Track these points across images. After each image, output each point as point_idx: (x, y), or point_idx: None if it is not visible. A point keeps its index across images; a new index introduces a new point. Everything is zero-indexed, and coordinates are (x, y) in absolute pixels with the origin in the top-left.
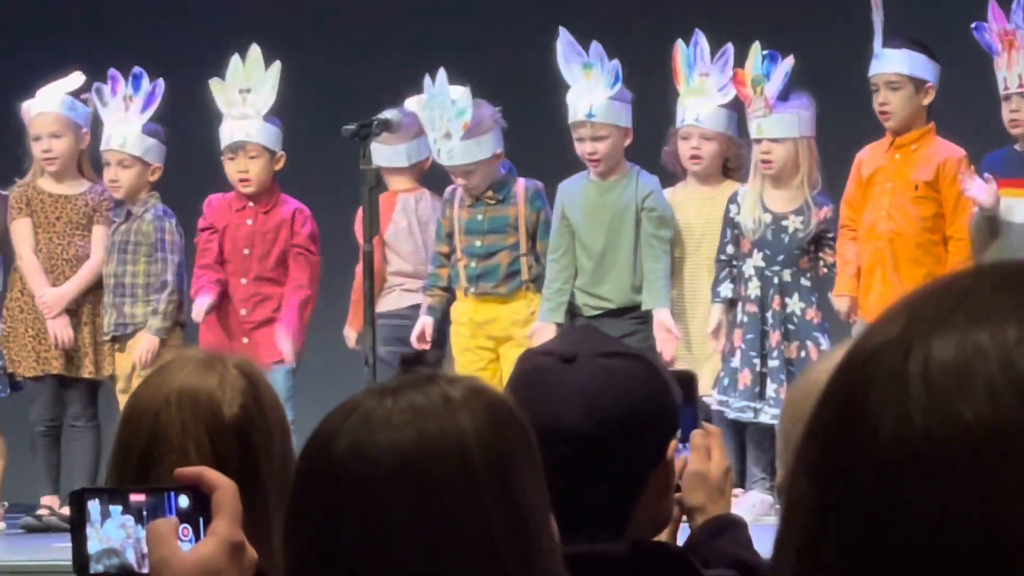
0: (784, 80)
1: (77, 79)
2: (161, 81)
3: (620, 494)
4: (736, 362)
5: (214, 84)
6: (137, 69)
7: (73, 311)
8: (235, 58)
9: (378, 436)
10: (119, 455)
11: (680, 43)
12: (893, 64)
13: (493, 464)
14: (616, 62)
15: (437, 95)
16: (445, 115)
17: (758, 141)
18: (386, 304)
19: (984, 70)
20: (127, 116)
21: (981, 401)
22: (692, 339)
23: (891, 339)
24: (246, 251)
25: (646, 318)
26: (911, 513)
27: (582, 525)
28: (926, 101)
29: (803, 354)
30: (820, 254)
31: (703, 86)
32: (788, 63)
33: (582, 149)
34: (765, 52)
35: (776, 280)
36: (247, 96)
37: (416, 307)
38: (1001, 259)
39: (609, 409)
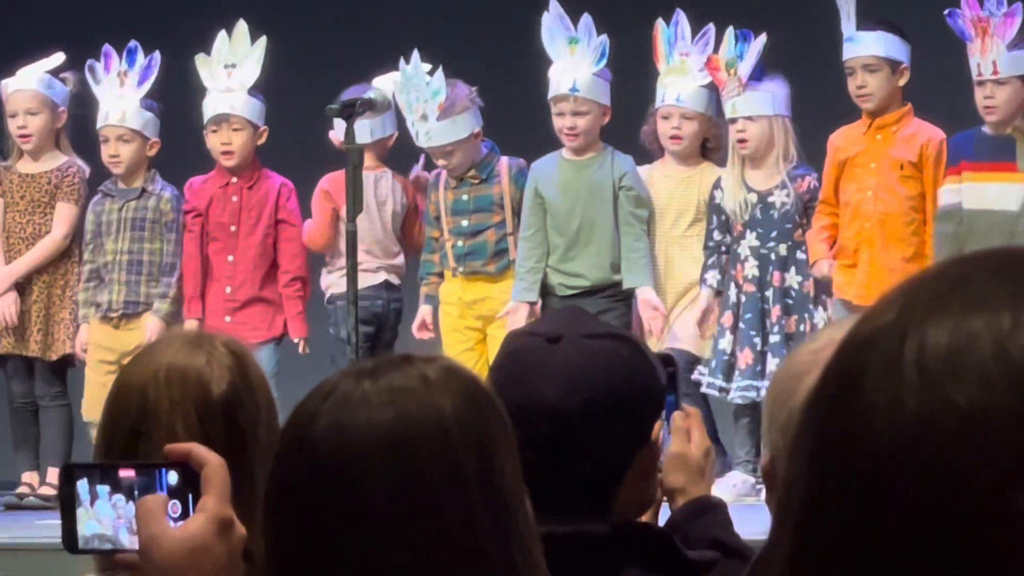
0: (757, 57)
1: (57, 58)
2: (157, 55)
3: (604, 474)
4: (731, 344)
5: (199, 59)
6: (132, 43)
7: (24, 288)
8: (222, 34)
9: (357, 416)
10: (107, 431)
11: (660, 22)
12: (869, 47)
13: (472, 443)
14: (604, 38)
15: (412, 77)
16: (421, 96)
17: (733, 120)
18: (343, 285)
19: (957, 54)
20: (123, 91)
21: (973, 387)
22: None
23: (886, 325)
24: (232, 228)
25: (621, 296)
26: (904, 497)
27: (565, 505)
28: (901, 82)
29: (802, 327)
30: (805, 222)
31: (683, 66)
32: (760, 41)
33: (561, 124)
34: (738, 32)
35: (773, 256)
36: (232, 71)
37: (375, 287)
38: (997, 246)
39: (594, 388)
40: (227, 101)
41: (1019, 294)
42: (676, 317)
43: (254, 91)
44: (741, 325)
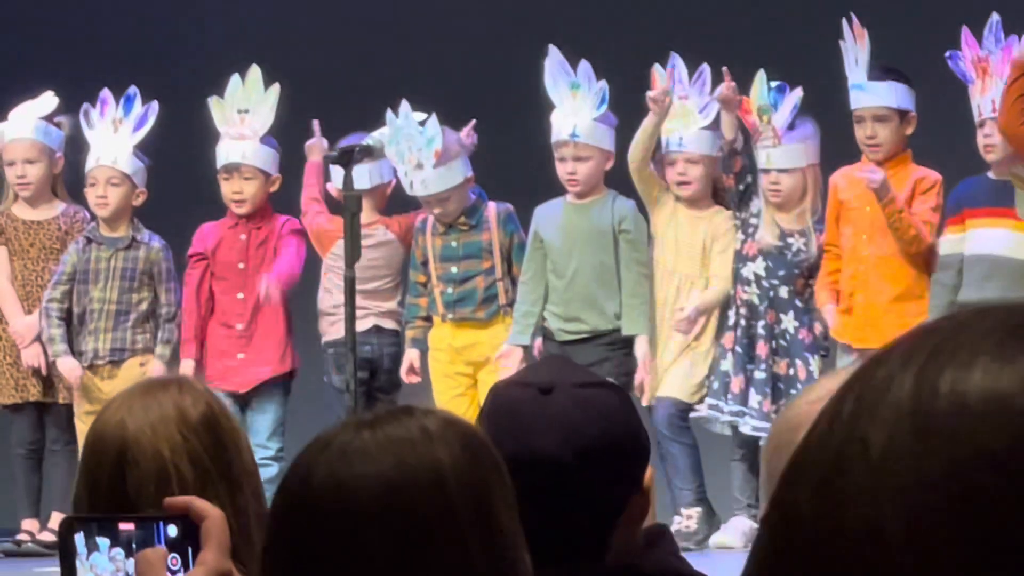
0: (793, 112)
1: (50, 101)
2: (155, 104)
3: (599, 521)
4: (728, 365)
5: (213, 102)
6: (132, 89)
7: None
8: (235, 77)
9: (356, 468)
10: (88, 473)
11: (657, 66)
12: (880, 97)
13: (471, 494)
14: (603, 83)
15: (402, 127)
16: (414, 145)
17: (766, 171)
18: (337, 332)
19: (959, 96)
20: (117, 137)
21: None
22: (658, 350)
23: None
24: (240, 265)
25: (620, 344)
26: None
27: (561, 552)
28: (909, 131)
29: (792, 371)
30: (811, 281)
31: (683, 109)
32: (797, 94)
33: (563, 169)
34: (773, 83)
35: (772, 293)
36: (245, 116)
37: (364, 332)
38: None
39: (589, 438)
40: (239, 149)
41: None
42: (672, 363)
43: (268, 137)
44: (737, 349)
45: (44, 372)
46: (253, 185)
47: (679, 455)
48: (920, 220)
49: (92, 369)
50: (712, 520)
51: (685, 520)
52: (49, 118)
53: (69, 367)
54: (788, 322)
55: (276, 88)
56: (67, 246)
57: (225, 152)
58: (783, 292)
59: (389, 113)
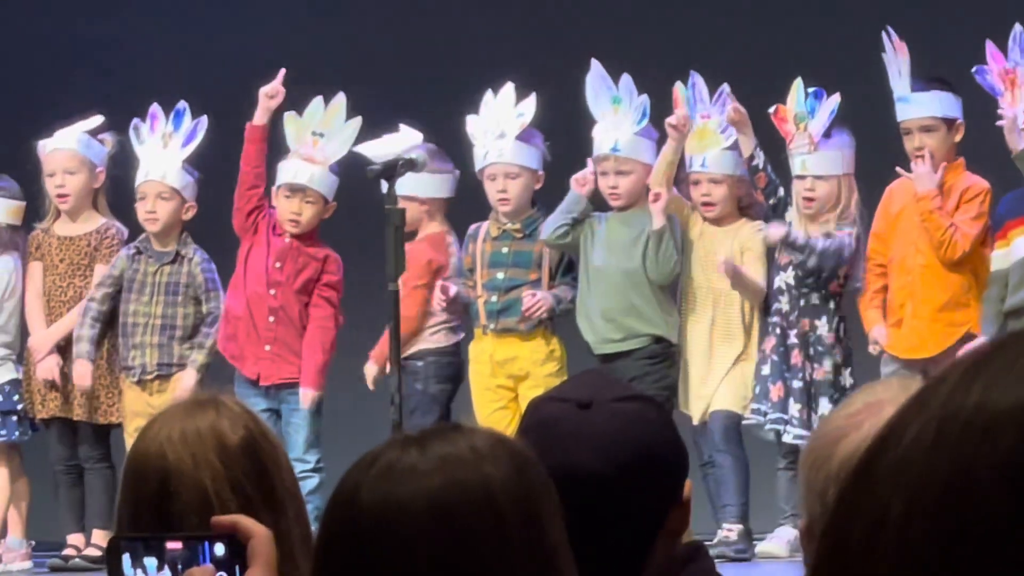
0: (830, 118)
1: (95, 120)
2: (204, 119)
3: (639, 536)
4: (768, 371)
5: (289, 118)
6: (181, 105)
7: (66, 351)
8: (318, 99)
9: (405, 486)
10: (130, 502)
11: (679, 85)
12: (926, 108)
13: (521, 511)
14: (645, 97)
15: (498, 102)
16: (504, 117)
17: (801, 178)
18: (436, 341)
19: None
20: (166, 152)
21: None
22: (691, 370)
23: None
24: (277, 264)
25: (661, 358)
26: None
27: (601, 567)
28: (957, 138)
29: (817, 376)
30: (843, 279)
31: (705, 129)
32: (834, 101)
33: (604, 183)
34: (810, 90)
35: (803, 302)
36: (319, 140)
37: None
38: None
39: (629, 453)
40: (307, 171)
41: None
42: (725, 376)
43: (333, 165)
44: (774, 357)
45: (58, 384)
46: (312, 209)
47: (730, 470)
48: (959, 227)
49: (141, 384)
50: (750, 540)
51: (725, 532)
52: (94, 134)
53: (80, 372)
54: (821, 327)
55: (357, 121)
56: (94, 262)
57: (293, 171)
58: (815, 299)
59: (489, 92)
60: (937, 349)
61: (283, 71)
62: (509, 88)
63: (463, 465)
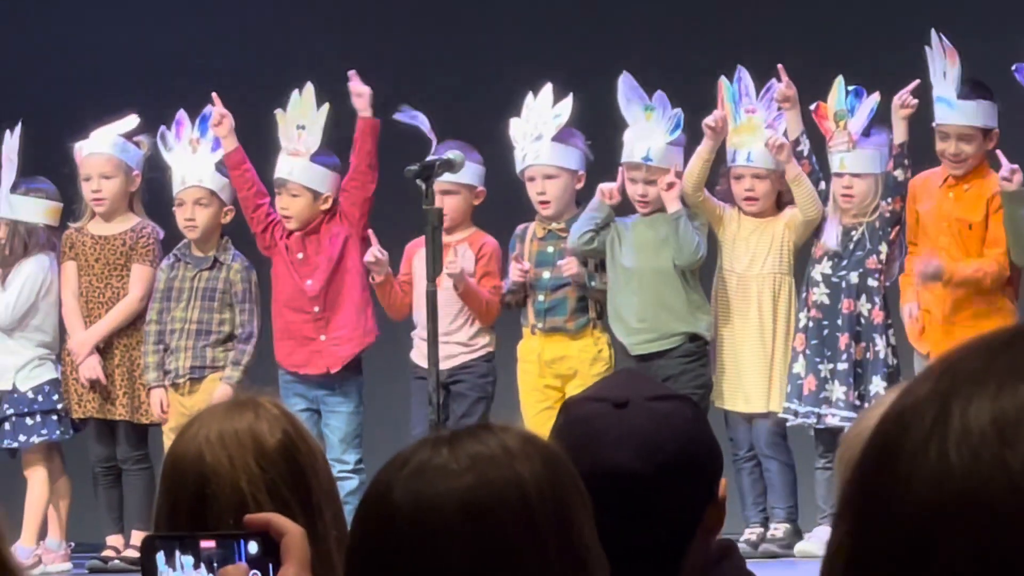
0: (869, 116)
1: (132, 121)
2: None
3: (676, 534)
4: (803, 368)
5: (279, 115)
6: (207, 108)
7: (106, 352)
8: (295, 93)
9: (437, 485)
10: (167, 504)
11: (724, 80)
12: (968, 116)
13: (552, 510)
14: (679, 111)
15: (536, 105)
16: (541, 119)
17: (839, 175)
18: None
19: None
20: (196, 156)
21: None
22: (743, 366)
23: (928, 392)
24: (300, 255)
25: (696, 356)
26: (952, 557)
27: (639, 566)
28: (991, 146)
29: (868, 355)
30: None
31: (751, 123)
32: (874, 99)
33: (633, 190)
34: (850, 88)
35: (843, 284)
36: (302, 133)
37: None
38: None
39: (665, 452)
40: (287, 166)
41: None
42: (763, 377)
43: (326, 155)
44: (807, 351)
45: (103, 383)
46: (299, 203)
47: (777, 472)
48: (991, 246)
49: (175, 387)
50: (795, 540)
51: (772, 531)
52: (129, 136)
53: (154, 400)
54: (862, 305)
55: (326, 108)
56: (131, 261)
57: (279, 167)
58: (853, 278)
59: (529, 95)
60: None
61: (215, 94)
62: (548, 89)
63: (495, 464)
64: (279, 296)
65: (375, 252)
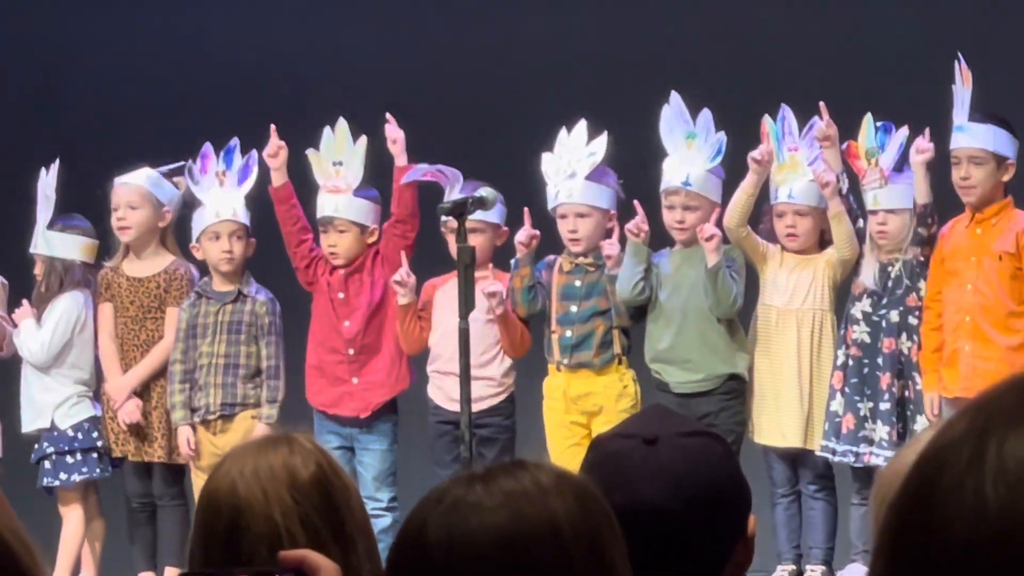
0: (899, 150)
1: (179, 165)
2: (255, 153)
3: (707, 570)
4: (841, 407)
5: (311, 155)
6: (232, 142)
7: (143, 394)
8: (327, 130)
9: (472, 522)
10: (201, 537)
11: (767, 119)
12: (978, 139)
13: (587, 546)
14: (722, 135)
15: (570, 141)
16: (575, 157)
17: (874, 212)
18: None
19: None
20: (226, 190)
21: None
22: (781, 401)
23: (965, 430)
24: (341, 295)
25: (736, 394)
26: None
27: None
28: (1006, 177)
29: (909, 393)
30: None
31: (793, 161)
32: (903, 134)
33: (671, 217)
34: (879, 124)
35: (884, 323)
36: (340, 169)
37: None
38: None
39: (695, 488)
40: (332, 203)
41: None
42: (804, 415)
43: (367, 189)
44: (847, 389)
45: (143, 426)
46: (347, 238)
47: (821, 511)
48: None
49: (205, 424)
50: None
51: (809, 572)
52: (168, 175)
53: (181, 438)
54: (903, 343)
55: (363, 140)
56: (165, 304)
57: (321, 205)
58: (894, 316)
59: (563, 131)
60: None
61: (273, 127)
62: (582, 126)
63: (529, 500)
64: (316, 333)
65: (403, 274)
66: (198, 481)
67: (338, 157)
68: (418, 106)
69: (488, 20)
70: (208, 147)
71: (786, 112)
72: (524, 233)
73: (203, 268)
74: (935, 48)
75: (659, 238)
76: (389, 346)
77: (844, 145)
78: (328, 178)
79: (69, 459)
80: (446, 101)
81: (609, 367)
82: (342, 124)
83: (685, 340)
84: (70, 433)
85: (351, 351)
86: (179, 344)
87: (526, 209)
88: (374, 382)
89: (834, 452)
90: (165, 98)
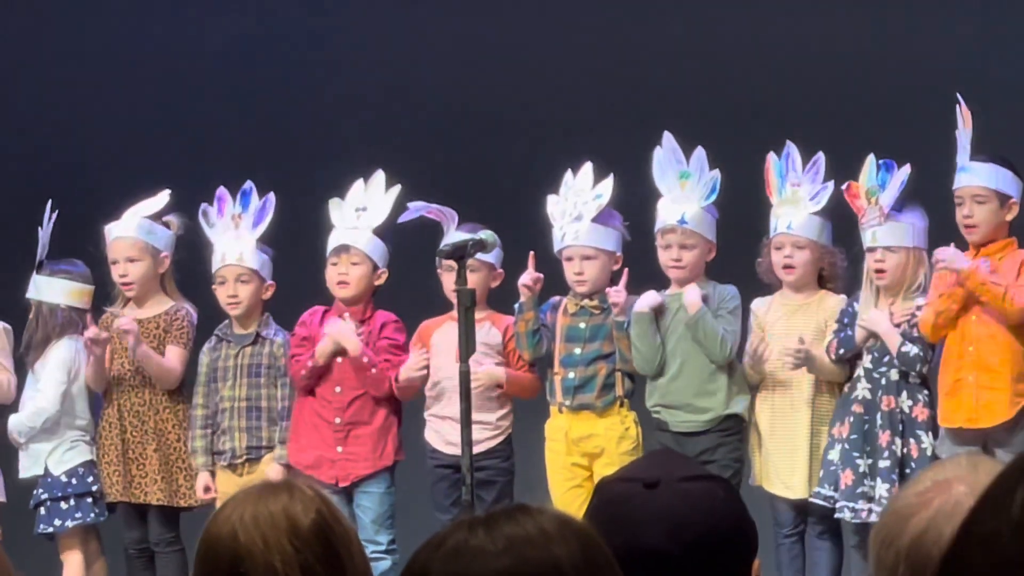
0: (900, 188)
1: (162, 199)
2: (271, 196)
3: None
4: (835, 455)
5: (333, 203)
6: (247, 184)
7: (140, 434)
8: (359, 182)
9: (474, 566)
10: None
11: (772, 155)
12: (980, 178)
13: None
14: (716, 173)
15: (576, 183)
16: (581, 199)
17: (872, 250)
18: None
19: None
20: (239, 233)
21: None
22: (781, 447)
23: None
24: (339, 360)
25: (733, 431)
26: None
27: None
28: (1009, 216)
29: (910, 451)
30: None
31: (795, 196)
32: (904, 172)
33: (666, 257)
34: (880, 162)
35: (884, 381)
36: (361, 214)
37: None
38: None
39: (696, 532)
40: (350, 235)
41: None
42: (807, 460)
43: (380, 233)
44: (846, 445)
45: (135, 330)
46: (359, 270)
47: (823, 555)
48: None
49: (232, 468)
50: None
51: None
52: (158, 216)
53: (199, 483)
54: (903, 402)
55: (397, 188)
56: (164, 344)
57: (336, 238)
58: (894, 375)
59: (569, 173)
60: (997, 419)
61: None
62: (588, 168)
63: (531, 545)
64: (303, 402)
65: (422, 362)
66: None
67: (363, 203)
68: (422, 146)
69: (493, 66)
70: (223, 190)
71: (791, 149)
72: (528, 276)
73: (204, 307)
74: (937, 86)
75: (656, 279)
76: (377, 420)
77: (845, 185)
78: (346, 221)
79: (63, 505)
80: (450, 144)
81: (611, 409)
82: (379, 176)
83: (682, 385)
84: (63, 479)
85: (337, 420)
86: (200, 388)
87: (531, 253)
88: (358, 455)
89: (830, 501)
90: (161, 140)
